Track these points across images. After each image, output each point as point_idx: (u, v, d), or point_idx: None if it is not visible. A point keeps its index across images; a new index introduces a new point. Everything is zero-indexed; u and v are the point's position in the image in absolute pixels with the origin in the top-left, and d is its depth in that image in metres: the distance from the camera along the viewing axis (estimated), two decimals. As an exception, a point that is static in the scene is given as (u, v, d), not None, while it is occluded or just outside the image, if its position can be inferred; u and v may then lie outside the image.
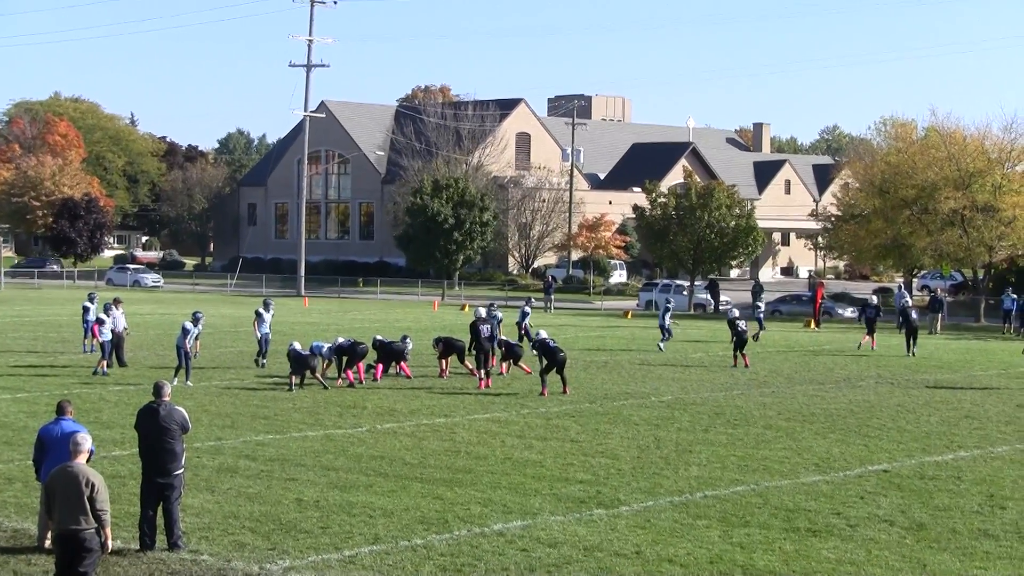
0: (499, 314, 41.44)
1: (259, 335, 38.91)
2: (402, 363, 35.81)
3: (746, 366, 40.48)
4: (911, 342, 46.75)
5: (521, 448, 24.64)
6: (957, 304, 76.82)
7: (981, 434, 27.52)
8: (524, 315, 47.13)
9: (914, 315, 47.82)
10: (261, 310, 39.35)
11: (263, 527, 17.92)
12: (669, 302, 51.89)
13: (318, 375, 33.47)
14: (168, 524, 16.78)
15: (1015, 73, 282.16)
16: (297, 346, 33.72)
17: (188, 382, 33.62)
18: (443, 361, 36.98)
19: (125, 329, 39.09)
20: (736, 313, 43.06)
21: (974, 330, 64.67)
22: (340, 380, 34.22)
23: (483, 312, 38.27)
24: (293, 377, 33.10)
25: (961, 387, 36.73)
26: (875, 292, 70.18)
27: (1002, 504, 20.17)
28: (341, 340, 35.26)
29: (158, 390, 17.24)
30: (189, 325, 34.56)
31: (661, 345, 47.47)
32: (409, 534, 17.63)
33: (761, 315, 55.67)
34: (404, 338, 36.77)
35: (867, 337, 49.41)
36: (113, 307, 38.50)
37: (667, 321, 48.55)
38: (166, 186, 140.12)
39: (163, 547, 16.71)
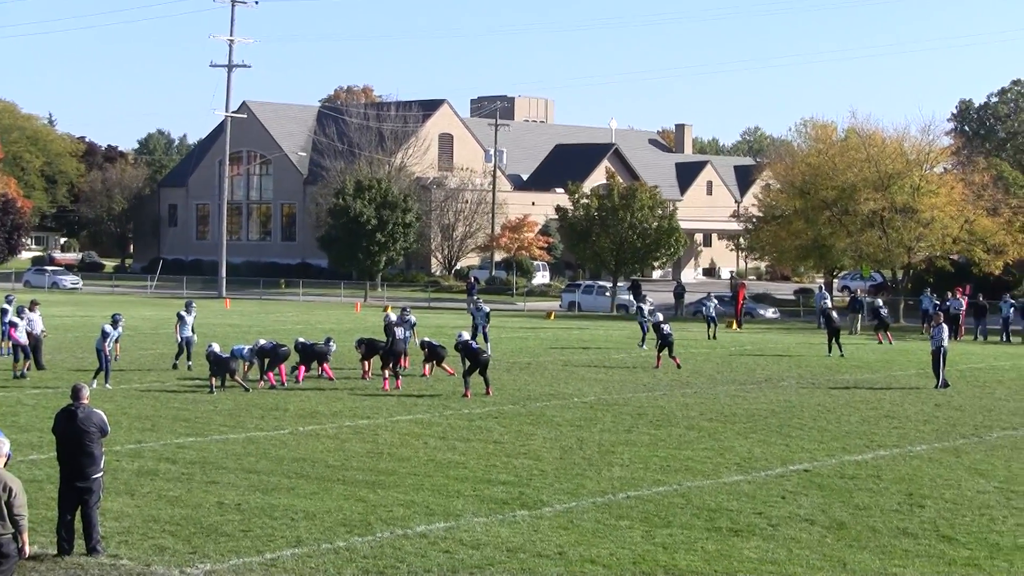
0: (412, 318, 41.26)
1: (180, 338, 38.54)
2: (324, 365, 35.66)
3: (678, 367, 40.60)
4: (833, 342, 47.22)
5: (444, 450, 24.60)
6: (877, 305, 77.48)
7: (900, 433, 27.82)
8: (486, 316, 46.95)
9: (835, 315, 48.44)
10: (183, 312, 38.96)
11: (183, 530, 17.75)
12: (643, 300, 52.21)
13: (238, 378, 33.22)
14: (86, 528, 16.58)
15: (934, 76, 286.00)
16: (216, 348, 33.47)
17: (107, 384, 33.27)
18: (366, 363, 36.82)
19: (43, 332, 38.56)
20: (660, 316, 43.18)
21: (893, 330, 65.15)
22: (262, 382, 34.01)
23: (393, 316, 37.97)
24: (214, 379, 32.84)
25: (881, 387, 37.11)
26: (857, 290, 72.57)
27: (920, 503, 20.38)
28: (262, 342, 35.06)
29: (76, 393, 17.03)
30: (108, 328, 34.21)
31: (643, 344, 47.72)
32: (331, 536, 17.53)
33: (713, 314, 55.79)
34: (327, 340, 36.61)
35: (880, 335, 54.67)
36: (27, 310, 37.89)
37: (646, 315, 48.85)
38: (85, 187, 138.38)
39: (81, 552, 16.50)
